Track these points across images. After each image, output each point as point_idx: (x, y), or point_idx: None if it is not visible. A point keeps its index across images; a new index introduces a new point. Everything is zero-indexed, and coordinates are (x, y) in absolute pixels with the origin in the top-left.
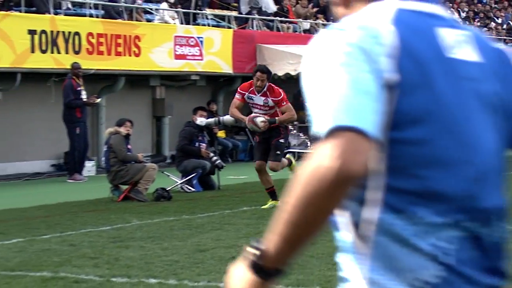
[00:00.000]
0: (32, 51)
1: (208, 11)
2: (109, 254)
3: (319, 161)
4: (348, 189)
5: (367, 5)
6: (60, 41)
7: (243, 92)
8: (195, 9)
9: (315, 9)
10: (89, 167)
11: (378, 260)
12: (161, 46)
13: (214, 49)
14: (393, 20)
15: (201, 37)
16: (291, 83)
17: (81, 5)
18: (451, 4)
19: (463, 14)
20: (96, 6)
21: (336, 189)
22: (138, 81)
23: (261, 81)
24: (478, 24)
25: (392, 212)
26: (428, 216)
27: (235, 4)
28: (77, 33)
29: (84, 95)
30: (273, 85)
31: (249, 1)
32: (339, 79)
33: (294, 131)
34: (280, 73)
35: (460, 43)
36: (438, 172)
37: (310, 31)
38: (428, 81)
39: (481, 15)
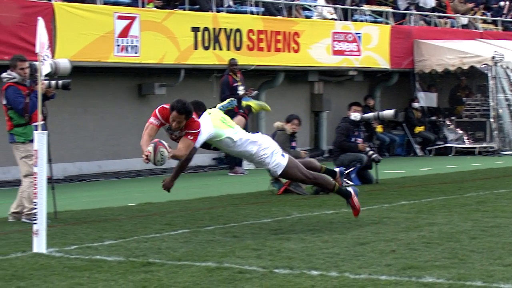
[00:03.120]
0: (195, 47)
1: (365, 7)
2: (271, 246)
3: None
4: None
5: None
6: (222, 37)
7: (163, 121)
8: (351, 5)
9: (472, 4)
10: None
11: None
12: (320, 42)
13: (372, 45)
14: None
15: (359, 33)
16: (449, 77)
17: (242, 2)
18: None
19: None
20: (256, 4)
21: None
22: (296, 76)
23: (177, 122)
24: None
25: None
26: None
27: (392, 0)
28: (238, 30)
29: (241, 91)
30: (194, 118)
31: None
32: None
33: (452, 126)
34: (439, 69)
35: None
36: None
37: (468, 26)
38: None
39: None
